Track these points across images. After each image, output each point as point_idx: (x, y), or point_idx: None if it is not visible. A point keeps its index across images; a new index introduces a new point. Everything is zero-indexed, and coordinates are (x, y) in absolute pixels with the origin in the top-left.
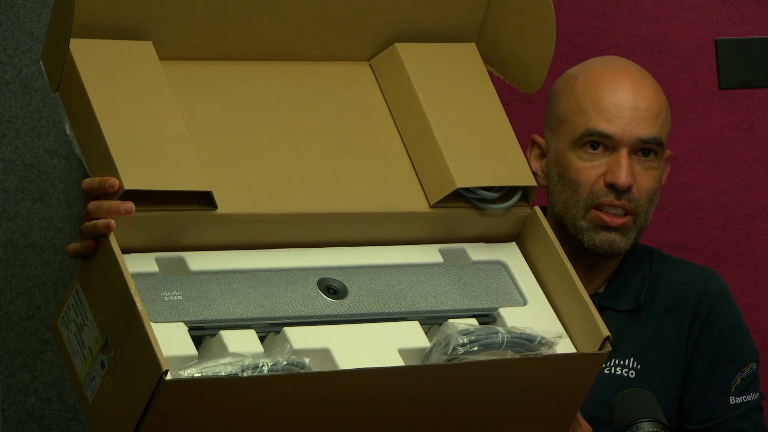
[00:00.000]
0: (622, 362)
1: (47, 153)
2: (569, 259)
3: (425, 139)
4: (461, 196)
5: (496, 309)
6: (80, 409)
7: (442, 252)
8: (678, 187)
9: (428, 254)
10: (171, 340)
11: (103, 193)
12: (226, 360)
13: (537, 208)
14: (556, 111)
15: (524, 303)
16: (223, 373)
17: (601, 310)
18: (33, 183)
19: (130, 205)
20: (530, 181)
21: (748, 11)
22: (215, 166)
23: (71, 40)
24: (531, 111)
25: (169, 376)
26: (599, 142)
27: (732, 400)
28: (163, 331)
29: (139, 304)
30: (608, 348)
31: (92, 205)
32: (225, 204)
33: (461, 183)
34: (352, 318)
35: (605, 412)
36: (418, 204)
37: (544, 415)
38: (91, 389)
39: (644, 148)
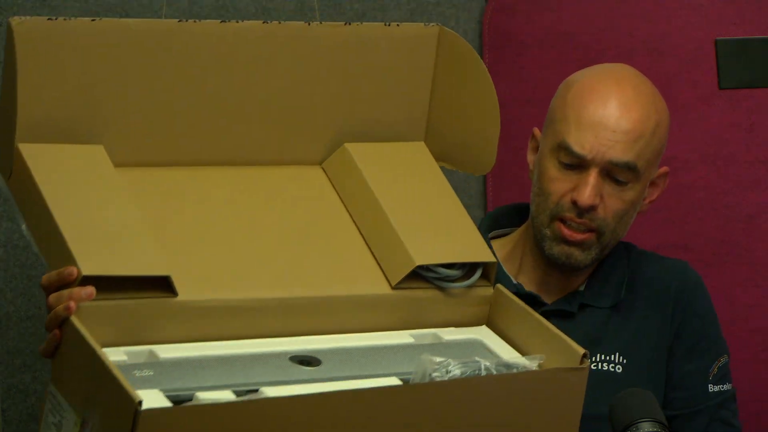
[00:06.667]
0: (608, 357)
1: None
2: (545, 261)
3: (380, 224)
4: (423, 279)
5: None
6: None
7: (413, 336)
8: (678, 187)
9: (399, 338)
10: (147, 398)
11: (63, 284)
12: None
13: (500, 286)
14: (551, 110)
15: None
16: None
17: (582, 308)
18: None
19: (90, 289)
20: (489, 258)
21: (748, 11)
22: (170, 257)
23: (23, 144)
24: (531, 111)
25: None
26: (571, 161)
27: (711, 387)
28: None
29: (103, 357)
30: (587, 364)
31: (53, 297)
32: (184, 291)
33: (420, 261)
34: (330, 380)
35: (594, 409)
36: (380, 287)
37: None
38: None
39: (615, 172)
